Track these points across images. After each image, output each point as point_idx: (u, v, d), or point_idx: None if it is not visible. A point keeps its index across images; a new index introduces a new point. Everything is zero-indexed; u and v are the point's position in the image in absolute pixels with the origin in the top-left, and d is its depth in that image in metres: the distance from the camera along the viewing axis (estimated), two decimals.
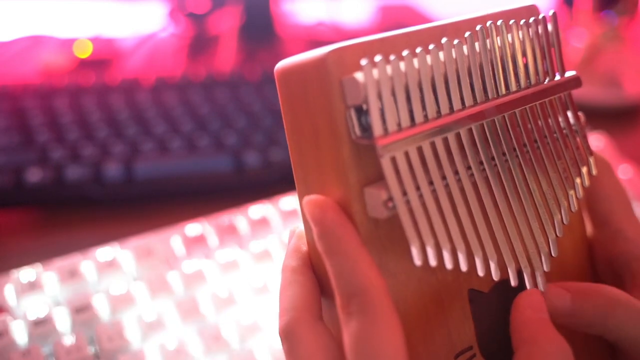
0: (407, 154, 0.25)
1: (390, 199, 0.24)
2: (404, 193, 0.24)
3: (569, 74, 0.30)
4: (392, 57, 0.24)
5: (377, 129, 0.24)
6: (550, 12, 0.30)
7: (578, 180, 0.30)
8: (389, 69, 0.24)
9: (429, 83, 0.25)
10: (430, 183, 0.25)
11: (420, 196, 0.25)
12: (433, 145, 0.25)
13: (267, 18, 0.87)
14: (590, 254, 0.33)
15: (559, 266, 0.31)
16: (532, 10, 0.31)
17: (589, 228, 0.33)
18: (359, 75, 0.24)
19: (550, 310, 0.28)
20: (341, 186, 0.25)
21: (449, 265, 0.25)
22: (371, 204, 0.25)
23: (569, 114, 0.31)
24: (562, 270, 0.31)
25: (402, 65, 0.25)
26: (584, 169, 0.30)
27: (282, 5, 0.91)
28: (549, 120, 0.29)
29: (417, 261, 0.24)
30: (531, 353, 0.25)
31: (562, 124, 0.30)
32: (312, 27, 0.91)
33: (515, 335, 0.26)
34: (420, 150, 0.25)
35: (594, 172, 0.31)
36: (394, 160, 0.24)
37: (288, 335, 0.26)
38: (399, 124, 0.25)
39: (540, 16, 0.29)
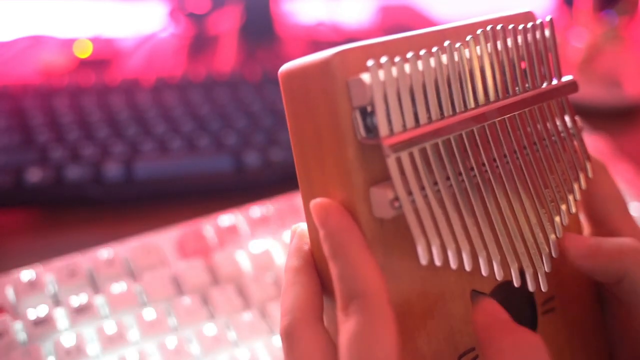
0: (411, 155, 0.25)
1: (396, 198, 0.24)
2: (410, 193, 0.25)
3: (566, 78, 0.31)
4: (397, 59, 0.24)
5: (383, 130, 0.24)
6: (547, 18, 0.30)
7: (576, 184, 0.30)
8: (394, 71, 0.24)
9: (432, 85, 0.26)
10: (435, 183, 0.25)
11: (425, 196, 0.25)
12: (437, 146, 0.26)
13: (267, 18, 0.87)
14: None
15: (557, 267, 0.31)
16: (528, 16, 0.31)
17: (585, 229, 0.33)
18: (365, 77, 0.24)
19: (573, 252, 0.28)
20: (346, 187, 0.26)
21: (453, 265, 0.25)
22: (377, 203, 0.25)
23: (567, 117, 0.31)
24: (560, 271, 0.31)
25: (407, 67, 0.25)
26: (581, 172, 0.31)
27: (282, 5, 0.91)
28: (547, 124, 0.30)
29: (423, 260, 0.25)
30: (491, 355, 0.24)
31: (560, 128, 0.30)
32: (312, 27, 0.91)
33: (478, 342, 0.26)
34: (424, 151, 0.25)
35: (591, 175, 0.31)
36: (399, 160, 0.24)
37: (288, 336, 0.26)
38: (404, 125, 0.25)
39: (538, 22, 0.30)
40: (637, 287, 0.28)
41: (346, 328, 0.24)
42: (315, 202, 0.26)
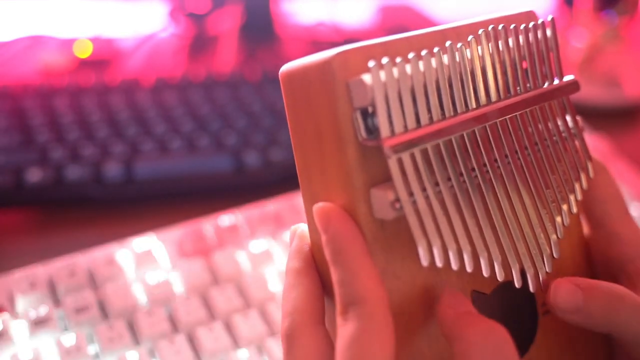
0: (413, 155, 0.25)
1: (397, 199, 0.24)
2: (411, 194, 0.24)
3: (568, 78, 0.31)
4: (398, 60, 0.24)
5: (385, 131, 0.24)
6: (549, 18, 0.30)
7: (577, 184, 0.30)
8: (395, 71, 0.24)
9: (433, 85, 0.26)
10: (436, 184, 0.25)
11: (427, 197, 0.25)
12: (438, 146, 0.26)
13: (267, 18, 0.87)
14: (588, 255, 0.33)
15: (558, 268, 0.31)
16: (530, 16, 0.31)
17: (585, 230, 0.33)
18: (366, 77, 0.24)
19: (560, 308, 0.28)
20: (347, 188, 0.25)
21: (454, 265, 0.25)
22: (377, 205, 0.25)
23: (568, 117, 0.31)
24: (560, 272, 0.31)
25: (408, 68, 0.25)
26: (583, 172, 0.30)
27: (282, 5, 0.91)
28: (549, 124, 0.30)
29: (424, 261, 0.25)
30: (459, 351, 0.24)
31: (561, 127, 0.30)
32: (312, 27, 0.91)
33: (446, 336, 0.25)
34: (425, 151, 0.25)
35: (592, 175, 0.31)
36: (400, 161, 0.24)
37: (288, 338, 0.26)
38: (405, 126, 0.25)
39: (539, 21, 0.30)
40: (628, 343, 0.28)
41: (344, 333, 0.24)
42: (317, 206, 0.26)
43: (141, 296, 0.43)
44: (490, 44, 0.28)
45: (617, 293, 0.28)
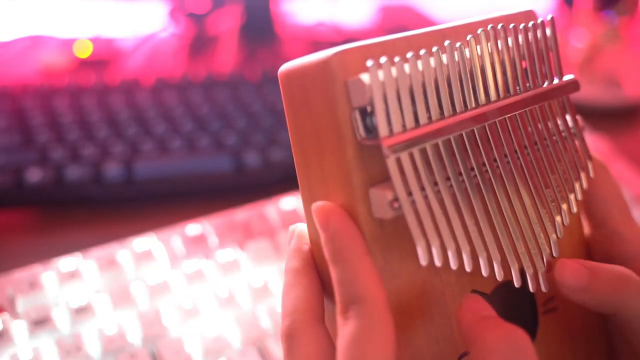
0: (411, 155, 0.25)
1: (396, 199, 0.24)
2: (409, 193, 0.24)
3: (567, 77, 0.31)
4: (396, 59, 0.24)
5: (383, 130, 0.24)
6: (549, 17, 0.30)
7: (577, 183, 0.30)
8: (393, 71, 0.24)
9: (432, 85, 0.25)
10: (435, 184, 0.25)
11: (425, 197, 0.25)
12: (437, 146, 0.26)
13: (267, 18, 0.87)
14: (588, 254, 0.33)
15: None
16: (529, 15, 0.31)
17: (586, 229, 0.33)
18: (365, 77, 0.24)
19: (567, 285, 0.28)
20: (346, 187, 0.25)
21: (453, 265, 0.25)
22: (376, 204, 0.25)
23: (568, 117, 0.31)
24: None
25: (406, 67, 0.25)
26: (583, 172, 0.30)
27: (282, 5, 0.91)
28: (548, 123, 0.30)
29: (423, 261, 0.25)
30: (478, 354, 0.24)
31: (561, 127, 0.30)
32: (312, 27, 0.91)
33: (465, 340, 0.25)
34: (424, 151, 0.25)
35: (592, 174, 0.31)
36: (399, 161, 0.24)
37: (288, 338, 0.26)
38: (403, 125, 0.25)
39: (539, 21, 0.30)
40: (632, 323, 0.28)
41: (344, 332, 0.24)
42: (316, 205, 0.26)
43: (141, 296, 0.43)
44: (489, 44, 0.28)
45: (623, 272, 0.28)
